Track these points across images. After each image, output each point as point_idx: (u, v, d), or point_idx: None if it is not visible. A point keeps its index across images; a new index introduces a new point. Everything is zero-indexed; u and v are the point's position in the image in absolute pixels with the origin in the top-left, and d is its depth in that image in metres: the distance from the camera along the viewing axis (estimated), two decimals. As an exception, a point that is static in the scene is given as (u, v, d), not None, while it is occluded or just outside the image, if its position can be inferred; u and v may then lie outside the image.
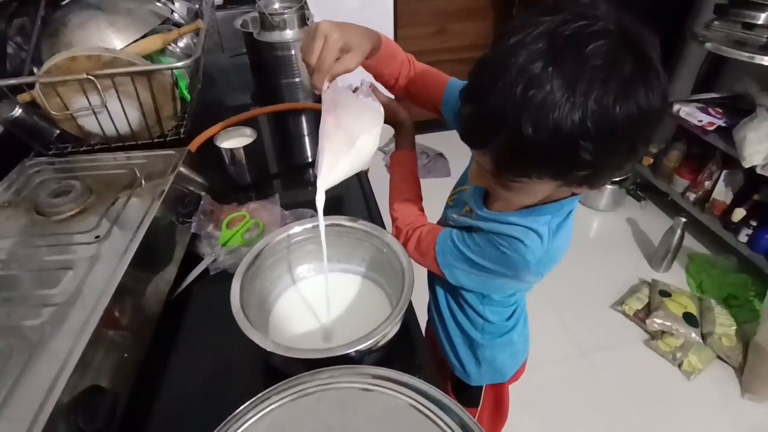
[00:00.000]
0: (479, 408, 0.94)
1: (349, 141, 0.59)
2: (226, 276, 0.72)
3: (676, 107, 2.03)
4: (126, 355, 0.57)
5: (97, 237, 0.66)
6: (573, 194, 0.60)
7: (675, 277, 2.05)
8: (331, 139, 0.59)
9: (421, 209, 0.78)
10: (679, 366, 1.69)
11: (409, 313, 0.66)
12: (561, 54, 0.44)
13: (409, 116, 0.82)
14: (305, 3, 1.19)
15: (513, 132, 0.46)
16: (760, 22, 1.72)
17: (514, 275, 0.64)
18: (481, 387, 0.92)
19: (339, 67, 0.59)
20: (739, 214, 1.91)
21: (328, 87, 0.59)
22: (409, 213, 0.76)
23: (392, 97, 0.80)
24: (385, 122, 0.71)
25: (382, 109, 0.65)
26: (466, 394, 0.93)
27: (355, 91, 0.67)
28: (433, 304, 0.88)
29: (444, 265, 0.70)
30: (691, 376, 1.65)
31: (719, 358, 1.71)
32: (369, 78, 0.71)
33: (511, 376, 0.92)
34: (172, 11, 1.10)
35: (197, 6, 1.22)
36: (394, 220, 0.77)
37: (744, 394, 1.61)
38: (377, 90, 0.72)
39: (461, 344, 0.86)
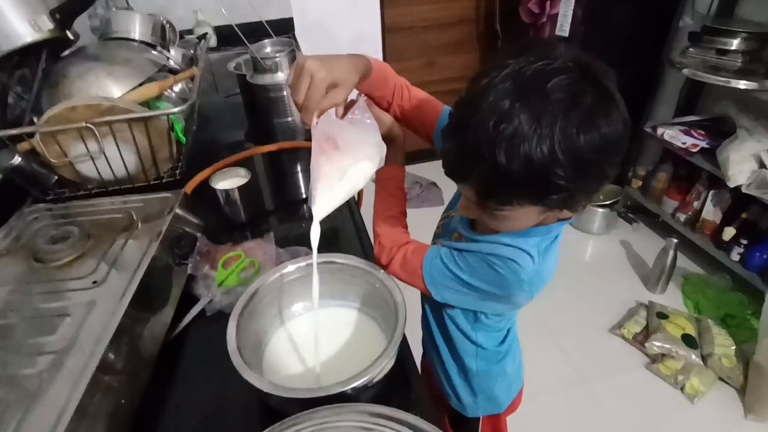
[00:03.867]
0: None
1: (343, 170, 0.61)
2: (222, 316, 0.72)
3: (660, 130, 2.08)
4: (123, 400, 0.57)
5: (95, 282, 0.67)
6: (559, 220, 0.63)
7: (671, 298, 2.06)
8: (325, 171, 0.60)
9: (405, 227, 0.78)
10: (682, 389, 1.68)
11: (404, 348, 0.66)
12: (526, 91, 0.48)
13: (402, 132, 0.81)
14: (296, 46, 1.23)
15: (489, 164, 0.49)
16: (733, 47, 1.80)
17: (506, 294, 0.65)
18: (479, 419, 0.91)
19: (327, 103, 0.60)
20: (729, 233, 1.93)
21: (317, 123, 0.60)
22: (394, 230, 0.75)
23: None
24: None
25: (378, 131, 0.66)
26: (464, 427, 0.92)
27: (351, 105, 0.67)
28: (427, 335, 0.89)
29: (431, 284, 0.70)
30: (695, 399, 1.64)
31: (721, 379, 1.70)
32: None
33: (507, 406, 0.91)
34: (168, 58, 1.14)
35: (192, 52, 1.27)
36: (377, 236, 0.75)
37: (747, 415, 1.59)
38: (373, 105, 0.72)
39: (456, 375, 0.86)
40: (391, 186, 0.80)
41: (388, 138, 0.79)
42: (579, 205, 0.56)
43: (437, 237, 0.83)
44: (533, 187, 0.51)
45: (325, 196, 0.61)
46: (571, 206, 0.56)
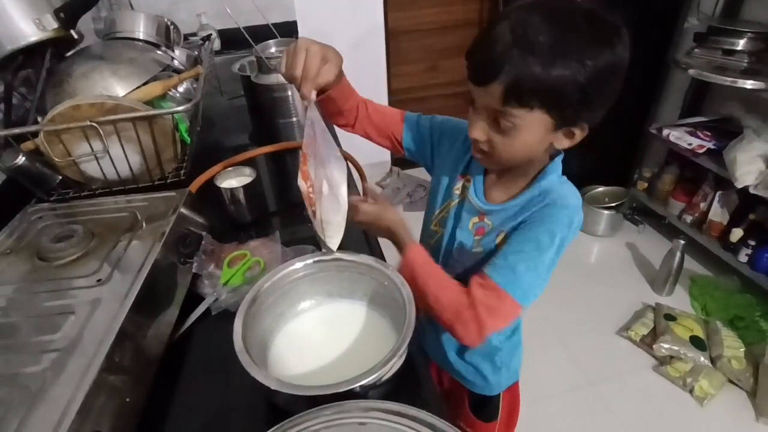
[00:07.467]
0: (498, 420, 0.94)
1: (339, 209, 0.67)
2: (227, 315, 0.71)
3: (665, 132, 2.07)
4: (128, 399, 0.56)
5: (99, 280, 0.66)
6: (552, 157, 0.69)
7: (678, 300, 2.04)
8: (325, 212, 0.65)
9: (458, 284, 0.69)
10: (691, 392, 1.66)
11: (413, 346, 0.65)
12: (546, 10, 0.55)
13: (396, 213, 0.73)
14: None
15: (515, 59, 0.54)
16: (739, 48, 1.79)
17: (570, 221, 0.65)
18: (499, 395, 0.92)
19: (322, 77, 0.64)
20: (736, 234, 1.91)
21: (315, 98, 0.64)
22: (453, 294, 0.67)
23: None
24: (380, 236, 0.76)
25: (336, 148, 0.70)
26: (486, 408, 0.92)
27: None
28: (435, 330, 0.87)
29: (522, 297, 0.64)
30: (704, 401, 1.62)
31: (731, 381, 1.68)
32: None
33: (519, 370, 0.93)
34: (173, 58, 1.14)
35: (197, 53, 1.27)
36: (440, 312, 0.67)
37: (759, 418, 1.57)
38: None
39: (480, 358, 0.86)
40: (428, 267, 0.70)
41: (389, 232, 0.73)
42: (594, 115, 0.59)
43: (436, 237, 0.80)
44: (554, 80, 0.54)
45: (338, 234, 0.66)
46: (585, 115, 0.59)
